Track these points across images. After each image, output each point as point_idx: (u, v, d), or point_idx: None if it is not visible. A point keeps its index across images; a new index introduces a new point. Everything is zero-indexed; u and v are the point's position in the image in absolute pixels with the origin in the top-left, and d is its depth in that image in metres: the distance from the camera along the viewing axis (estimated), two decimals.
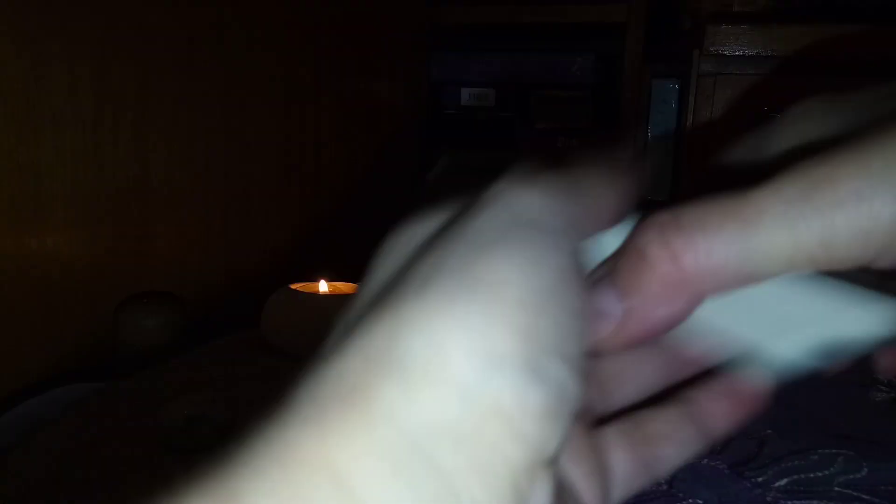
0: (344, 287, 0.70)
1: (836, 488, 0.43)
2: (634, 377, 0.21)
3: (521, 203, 0.15)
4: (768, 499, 0.41)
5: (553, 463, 0.14)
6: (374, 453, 0.12)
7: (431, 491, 0.12)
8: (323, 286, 0.69)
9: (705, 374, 0.20)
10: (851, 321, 0.17)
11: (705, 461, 0.44)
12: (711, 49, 0.87)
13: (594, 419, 0.20)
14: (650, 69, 1.16)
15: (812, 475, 0.44)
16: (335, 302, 0.66)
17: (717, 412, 0.20)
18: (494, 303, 0.13)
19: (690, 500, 0.41)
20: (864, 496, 0.42)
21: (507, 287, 0.13)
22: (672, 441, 0.20)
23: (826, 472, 0.44)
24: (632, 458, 0.20)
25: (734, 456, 0.47)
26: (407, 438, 0.12)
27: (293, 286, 0.67)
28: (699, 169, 0.90)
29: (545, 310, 0.14)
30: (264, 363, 0.62)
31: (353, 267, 0.75)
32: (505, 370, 0.13)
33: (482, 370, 0.13)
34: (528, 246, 0.14)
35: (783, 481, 0.43)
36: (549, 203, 0.15)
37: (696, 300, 0.17)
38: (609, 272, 0.17)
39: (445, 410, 0.13)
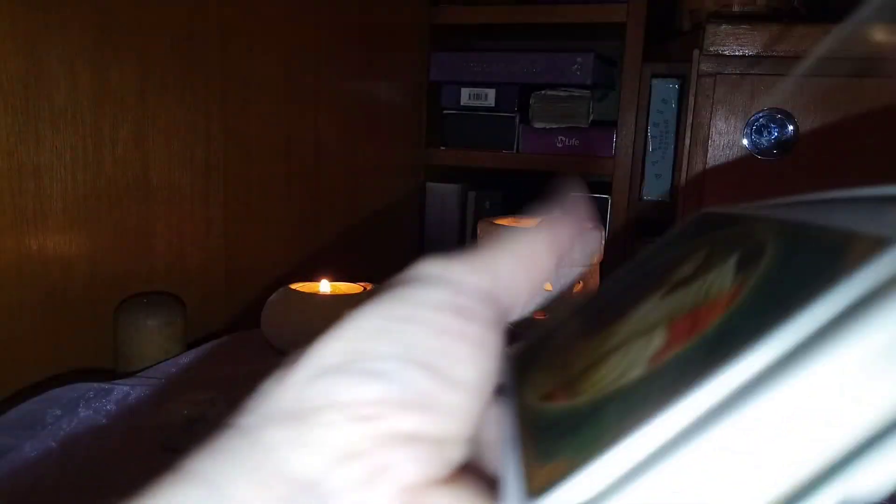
0: (344, 287, 0.70)
1: None
2: None
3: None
4: None
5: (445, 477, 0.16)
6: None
7: None
8: (323, 286, 0.69)
9: None
10: None
11: None
12: (711, 49, 0.87)
13: None
14: (650, 69, 1.16)
15: None
16: (335, 302, 0.66)
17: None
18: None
19: None
20: None
21: None
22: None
23: None
24: None
25: None
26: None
27: (293, 286, 0.67)
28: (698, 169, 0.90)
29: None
30: (264, 363, 0.62)
31: (353, 267, 0.75)
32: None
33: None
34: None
35: None
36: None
37: None
38: None
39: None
